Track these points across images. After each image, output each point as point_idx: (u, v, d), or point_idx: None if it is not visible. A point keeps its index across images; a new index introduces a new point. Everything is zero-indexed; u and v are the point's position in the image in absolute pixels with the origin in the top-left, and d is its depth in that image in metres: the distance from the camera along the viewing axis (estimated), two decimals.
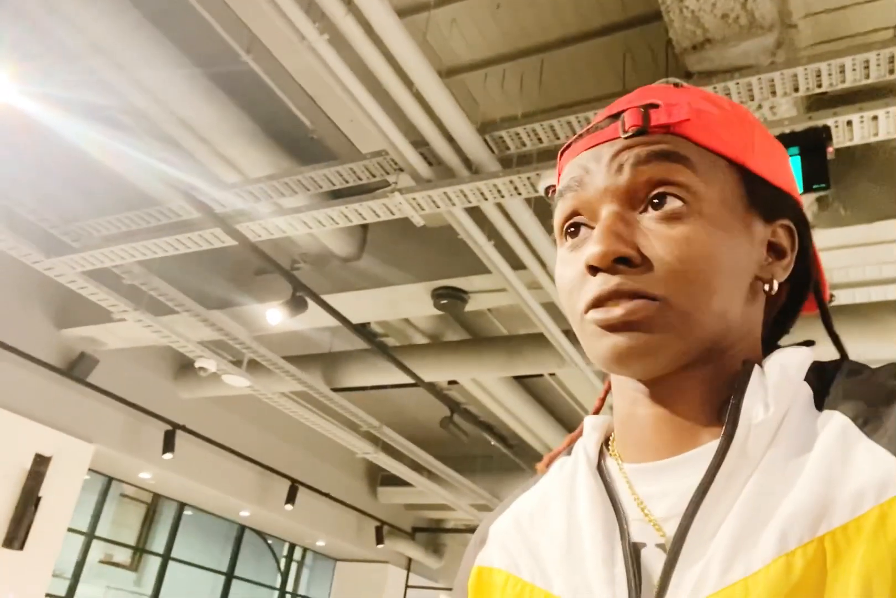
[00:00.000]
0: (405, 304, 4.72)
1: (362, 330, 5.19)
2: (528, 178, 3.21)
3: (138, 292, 4.63)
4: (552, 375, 6.06)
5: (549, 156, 3.33)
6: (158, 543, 8.42)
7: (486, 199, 3.38)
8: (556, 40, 3.51)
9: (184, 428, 6.62)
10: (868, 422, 0.45)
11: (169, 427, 6.49)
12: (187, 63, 3.34)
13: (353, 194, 3.74)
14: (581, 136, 0.58)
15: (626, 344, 0.49)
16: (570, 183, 0.55)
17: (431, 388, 5.97)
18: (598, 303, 0.50)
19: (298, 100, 3.95)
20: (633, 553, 0.49)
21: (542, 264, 3.86)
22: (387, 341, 6.08)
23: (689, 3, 2.60)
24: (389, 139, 3.20)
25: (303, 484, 8.07)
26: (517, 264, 3.91)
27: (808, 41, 3.19)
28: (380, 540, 9.64)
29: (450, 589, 0.65)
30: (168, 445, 6.40)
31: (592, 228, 0.53)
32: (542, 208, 3.68)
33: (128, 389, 6.26)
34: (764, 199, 0.55)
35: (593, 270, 0.51)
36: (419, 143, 3.32)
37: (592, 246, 0.51)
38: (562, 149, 0.61)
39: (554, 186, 0.59)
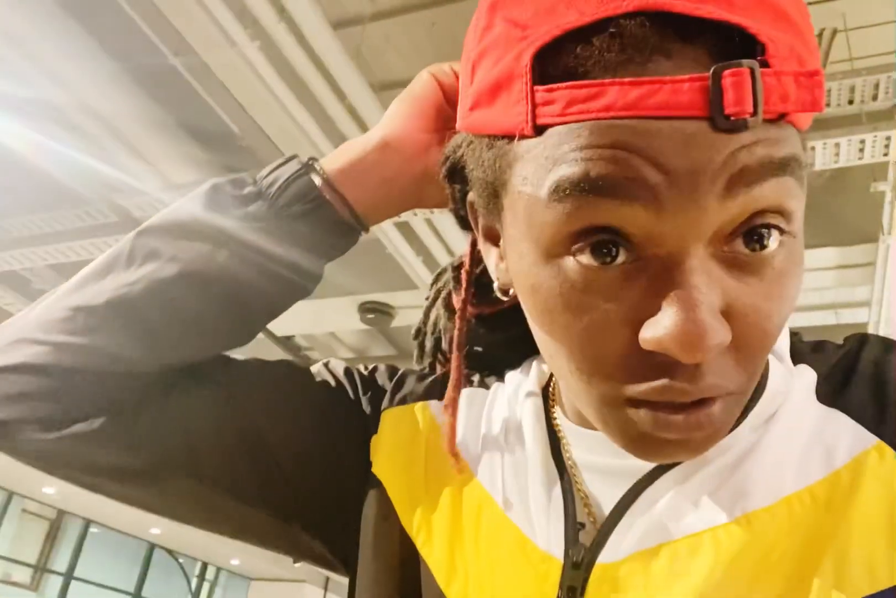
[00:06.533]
0: (331, 317, 4.66)
1: (287, 343, 5.11)
2: None
3: None
4: None
5: None
6: (61, 562, 8.08)
7: (414, 214, 3.38)
8: None
9: None
10: (825, 384, 0.46)
11: None
12: (108, 58, 3.24)
13: None
14: (587, 39, 0.32)
15: (681, 452, 0.38)
16: (619, 183, 0.32)
17: None
18: (656, 395, 0.35)
19: (227, 107, 3.87)
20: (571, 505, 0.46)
21: None
22: (311, 355, 6.00)
23: None
24: (320, 150, 3.17)
25: None
26: None
27: None
28: (297, 558, 9.44)
29: None
30: None
31: (633, 249, 0.34)
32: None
33: None
34: None
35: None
36: None
37: (674, 324, 0.32)
38: (538, 45, 0.33)
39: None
